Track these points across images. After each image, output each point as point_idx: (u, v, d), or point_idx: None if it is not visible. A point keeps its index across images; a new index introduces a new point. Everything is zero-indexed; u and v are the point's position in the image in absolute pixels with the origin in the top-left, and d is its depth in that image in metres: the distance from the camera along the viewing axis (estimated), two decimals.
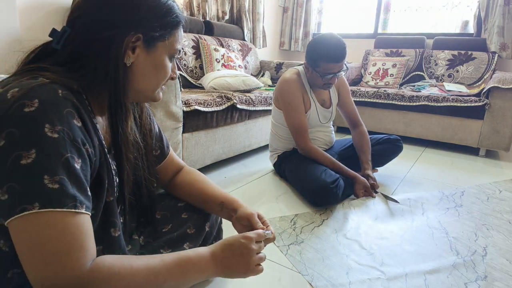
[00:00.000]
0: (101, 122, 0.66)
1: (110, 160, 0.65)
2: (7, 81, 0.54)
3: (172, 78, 0.71)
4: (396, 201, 1.62)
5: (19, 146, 0.47)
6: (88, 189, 0.54)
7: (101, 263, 0.52)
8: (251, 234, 0.69)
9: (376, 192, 1.71)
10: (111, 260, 0.53)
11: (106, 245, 0.65)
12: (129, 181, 0.71)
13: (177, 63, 2.43)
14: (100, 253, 0.56)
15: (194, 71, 2.57)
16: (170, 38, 0.64)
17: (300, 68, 1.85)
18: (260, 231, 0.72)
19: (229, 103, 1.97)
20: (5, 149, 0.47)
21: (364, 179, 1.68)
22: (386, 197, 1.66)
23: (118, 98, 0.61)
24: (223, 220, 1.00)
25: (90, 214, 0.53)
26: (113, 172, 0.66)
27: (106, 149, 0.63)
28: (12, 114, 0.47)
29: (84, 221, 0.51)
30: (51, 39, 0.59)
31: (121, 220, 0.72)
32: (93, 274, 0.50)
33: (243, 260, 0.66)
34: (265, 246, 0.73)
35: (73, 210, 0.49)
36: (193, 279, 0.62)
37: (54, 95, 0.50)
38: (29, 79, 0.52)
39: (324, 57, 1.62)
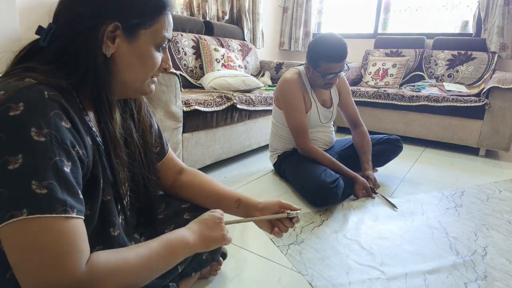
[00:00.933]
0: (94, 119, 0.64)
1: (104, 158, 0.64)
2: None
3: (165, 69, 0.67)
4: (395, 207, 1.59)
5: (6, 151, 0.46)
6: (80, 192, 0.52)
7: (96, 261, 0.51)
8: (215, 210, 0.76)
9: (376, 193, 1.71)
10: (104, 255, 0.53)
11: (106, 244, 0.64)
12: (124, 178, 0.69)
13: (177, 63, 2.43)
14: None
15: (194, 71, 2.57)
16: (154, 25, 0.61)
17: (301, 68, 1.85)
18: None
19: (229, 103, 1.96)
20: None
21: (364, 179, 1.68)
22: (388, 201, 1.64)
23: (101, 92, 0.59)
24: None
25: (82, 217, 0.52)
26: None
27: (102, 146, 0.62)
28: None
29: (77, 224, 0.50)
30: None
31: (122, 217, 0.72)
32: (92, 273, 0.50)
33: (217, 228, 0.72)
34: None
35: (63, 215, 0.48)
36: (180, 256, 0.65)
37: (40, 97, 0.49)
38: (16, 80, 0.51)
39: (324, 57, 1.62)
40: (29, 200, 0.46)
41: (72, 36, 0.57)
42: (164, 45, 0.64)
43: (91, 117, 0.63)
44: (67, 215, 0.48)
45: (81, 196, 0.53)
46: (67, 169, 0.50)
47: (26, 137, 0.47)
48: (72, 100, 0.56)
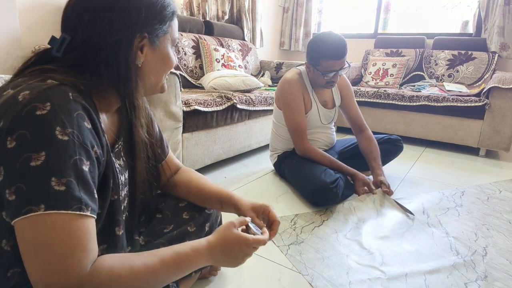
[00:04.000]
0: (105, 120, 0.66)
1: (114, 159, 0.65)
2: (16, 82, 0.54)
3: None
4: (411, 213, 1.53)
5: (30, 148, 0.48)
6: (95, 191, 0.54)
7: (100, 266, 0.52)
8: (251, 241, 0.69)
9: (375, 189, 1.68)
10: (110, 261, 0.53)
11: (110, 244, 0.65)
12: (143, 178, 0.72)
13: (177, 63, 2.43)
14: (103, 252, 0.56)
15: (194, 71, 2.57)
16: (169, 29, 0.67)
17: (302, 68, 1.85)
18: (261, 238, 0.71)
19: (229, 103, 1.96)
20: (16, 150, 0.48)
21: (364, 175, 1.67)
22: (402, 207, 1.57)
23: (133, 98, 0.63)
24: (223, 219, 1.00)
25: (95, 217, 0.53)
26: (117, 171, 0.66)
27: (110, 148, 0.63)
28: (24, 117, 0.48)
29: (89, 223, 0.51)
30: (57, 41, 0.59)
31: (124, 217, 0.72)
32: (92, 277, 0.50)
33: (236, 260, 0.70)
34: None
35: (78, 212, 0.49)
36: (188, 272, 0.65)
37: (65, 98, 0.51)
38: (37, 81, 0.53)
39: (324, 55, 1.62)
40: (47, 196, 0.48)
41: (96, 48, 0.58)
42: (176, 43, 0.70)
43: (103, 119, 0.65)
44: (81, 213, 0.50)
45: (96, 196, 0.54)
46: (85, 168, 0.52)
47: (51, 136, 0.49)
48: (89, 102, 0.57)
